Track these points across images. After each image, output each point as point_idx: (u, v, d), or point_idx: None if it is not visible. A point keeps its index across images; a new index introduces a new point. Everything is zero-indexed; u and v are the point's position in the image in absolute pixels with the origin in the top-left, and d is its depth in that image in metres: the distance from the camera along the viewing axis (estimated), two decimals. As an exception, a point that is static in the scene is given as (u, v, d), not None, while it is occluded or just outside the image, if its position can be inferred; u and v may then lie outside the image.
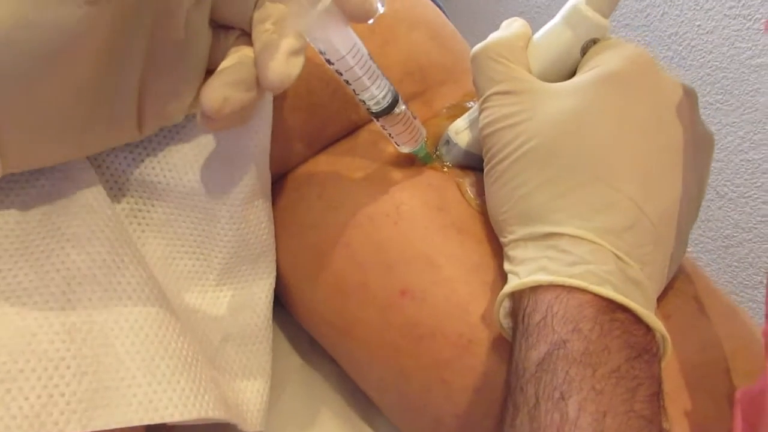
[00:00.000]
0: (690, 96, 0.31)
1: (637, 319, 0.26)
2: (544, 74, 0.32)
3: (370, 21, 0.27)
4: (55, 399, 0.25)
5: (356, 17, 0.26)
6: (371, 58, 0.29)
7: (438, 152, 0.36)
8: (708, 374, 0.30)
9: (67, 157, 0.26)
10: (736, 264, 1.11)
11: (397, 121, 0.32)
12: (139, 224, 0.32)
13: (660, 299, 0.30)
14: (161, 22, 0.26)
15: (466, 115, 0.35)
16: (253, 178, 0.33)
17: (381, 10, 0.26)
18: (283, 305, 0.40)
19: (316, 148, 0.38)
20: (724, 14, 1.06)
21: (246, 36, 0.28)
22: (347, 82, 0.29)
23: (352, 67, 0.28)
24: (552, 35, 0.32)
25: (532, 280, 0.26)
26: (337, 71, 0.28)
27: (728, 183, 1.07)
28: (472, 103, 0.38)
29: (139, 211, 0.32)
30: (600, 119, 0.28)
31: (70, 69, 0.23)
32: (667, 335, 0.26)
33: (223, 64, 0.27)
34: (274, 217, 0.36)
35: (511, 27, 0.33)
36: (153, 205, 0.32)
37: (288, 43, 0.25)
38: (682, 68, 1.13)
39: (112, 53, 0.24)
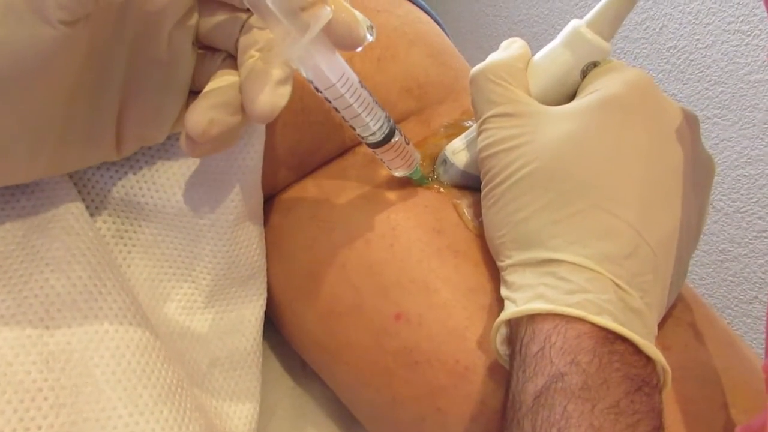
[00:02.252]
0: (691, 121, 0.30)
1: (637, 350, 0.25)
2: (543, 96, 0.31)
3: (359, 49, 0.26)
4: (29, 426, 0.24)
5: (344, 45, 0.26)
6: (365, 87, 0.28)
7: (435, 172, 0.35)
8: (707, 409, 0.29)
9: (40, 174, 0.25)
10: (731, 279, 1.10)
11: (392, 150, 0.31)
12: (125, 245, 0.31)
13: (659, 328, 0.29)
14: (143, 42, 0.25)
15: (463, 135, 0.34)
16: (244, 198, 0.32)
17: (370, 38, 0.26)
18: (274, 326, 0.39)
19: (310, 167, 0.37)
20: (723, 29, 1.06)
21: (232, 59, 0.27)
22: (337, 110, 0.28)
23: (342, 95, 0.27)
24: (552, 57, 0.31)
25: (530, 309, 0.26)
26: (326, 99, 0.28)
27: (724, 198, 1.07)
28: (470, 122, 0.37)
29: (125, 231, 0.31)
30: (599, 144, 0.28)
31: (44, 88, 0.22)
32: (668, 367, 0.26)
33: (209, 86, 0.26)
34: (266, 238, 0.35)
35: (511, 48, 0.32)
36: (140, 226, 0.31)
37: (275, 73, 0.24)
38: (680, 82, 1.13)
39: (90, 72, 0.24)
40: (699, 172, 0.30)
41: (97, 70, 0.24)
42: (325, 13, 0.24)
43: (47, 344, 0.25)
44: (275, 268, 0.36)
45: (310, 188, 0.37)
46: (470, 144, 0.33)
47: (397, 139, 0.31)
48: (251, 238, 0.33)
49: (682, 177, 0.29)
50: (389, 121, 0.30)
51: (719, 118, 1.08)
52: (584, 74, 0.31)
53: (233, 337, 0.33)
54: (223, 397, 0.32)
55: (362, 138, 0.30)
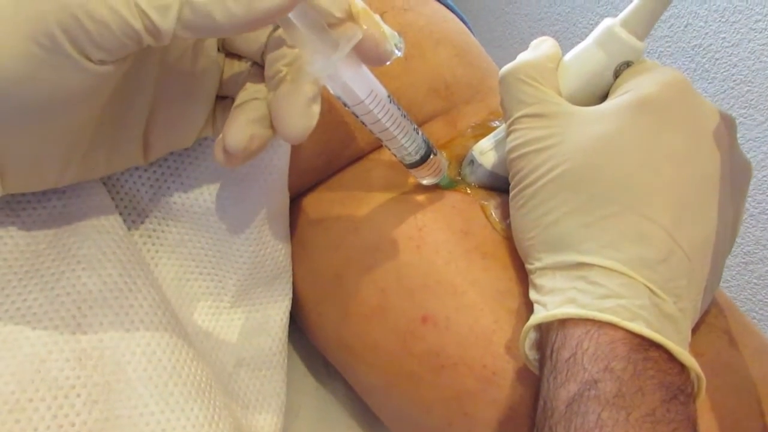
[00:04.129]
0: (728, 123, 0.29)
1: (671, 357, 0.24)
2: (574, 97, 0.30)
3: (387, 62, 0.26)
4: (65, 429, 0.24)
5: (371, 61, 0.25)
6: (395, 103, 0.28)
7: (462, 173, 0.35)
8: (742, 418, 0.29)
9: (69, 181, 0.26)
10: (755, 281, 1.08)
11: (426, 167, 0.31)
12: (153, 244, 0.31)
13: (692, 334, 0.29)
14: (170, 55, 0.25)
15: (491, 135, 0.34)
16: (270, 198, 0.32)
17: (398, 54, 0.26)
18: (298, 326, 0.39)
19: (336, 167, 0.37)
20: (750, 27, 1.04)
21: (258, 66, 0.27)
22: (365, 124, 0.28)
23: (370, 111, 0.27)
24: (584, 57, 0.31)
25: (561, 313, 0.25)
26: (354, 114, 0.27)
27: (750, 199, 1.05)
28: (497, 122, 0.37)
29: (153, 231, 0.31)
30: (633, 146, 0.27)
31: (80, 114, 0.23)
32: (702, 375, 0.25)
33: (242, 98, 0.26)
34: (291, 238, 0.35)
35: (541, 47, 0.32)
36: (168, 225, 0.31)
37: (305, 94, 0.24)
38: (705, 81, 1.11)
39: (121, 89, 0.24)
40: (736, 176, 0.29)
41: (128, 87, 0.24)
42: (356, 34, 0.23)
43: (80, 341, 0.25)
44: (300, 268, 0.36)
45: (336, 188, 0.36)
46: (498, 144, 0.33)
47: (433, 158, 0.31)
48: (277, 237, 0.33)
49: (719, 181, 0.28)
50: (426, 141, 0.30)
51: (745, 117, 1.06)
52: (617, 74, 0.30)
53: (259, 337, 0.33)
54: (249, 397, 0.32)
55: (399, 158, 0.31)
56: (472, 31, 0.44)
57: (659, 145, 0.27)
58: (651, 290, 0.25)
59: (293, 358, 0.40)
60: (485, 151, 0.34)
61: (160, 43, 0.21)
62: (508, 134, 0.30)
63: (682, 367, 0.25)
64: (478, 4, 1.52)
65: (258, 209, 0.32)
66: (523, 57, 0.31)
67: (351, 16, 0.24)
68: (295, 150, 0.33)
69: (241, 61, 0.28)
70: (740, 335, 0.32)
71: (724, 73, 1.08)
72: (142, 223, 0.31)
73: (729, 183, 0.28)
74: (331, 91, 0.26)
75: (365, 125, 0.28)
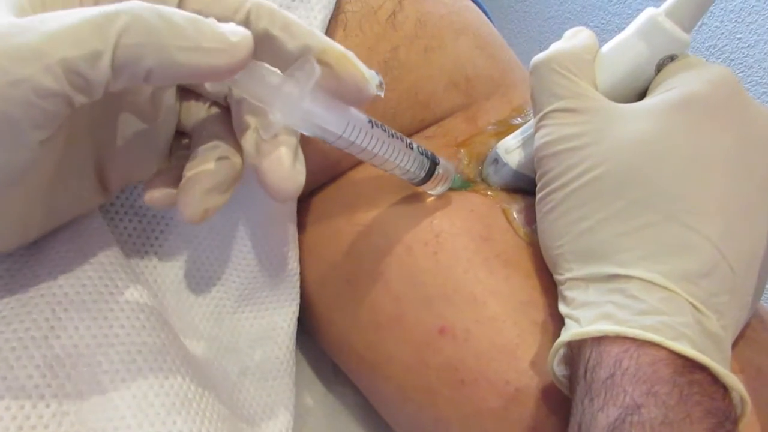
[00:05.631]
0: None
1: (715, 379, 0.22)
2: (612, 92, 0.28)
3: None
4: None
5: (351, 102, 0.24)
6: (379, 125, 0.26)
7: (483, 173, 0.33)
8: None
9: (33, 238, 0.25)
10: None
11: (433, 181, 0.30)
12: (152, 246, 0.29)
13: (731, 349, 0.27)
14: (124, 101, 0.24)
15: (519, 131, 0.32)
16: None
17: (380, 94, 0.24)
18: (306, 330, 0.37)
19: (346, 166, 0.35)
20: (767, 28, 1.02)
21: (219, 107, 0.26)
22: (353, 154, 0.26)
23: (353, 142, 0.25)
24: (624, 49, 0.28)
25: (598, 330, 0.23)
26: (338, 148, 0.26)
27: None
28: (519, 119, 0.35)
29: (152, 231, 0.29)
30: (678, 149, 0.25)
31: (26, 188, 0.21)
32: (748, 397, 0.23)
33: (198, 165, 0.24)
34: (300, 240, 0.33)
35: (578, 37, 0.29)
36: (167, 225, 0.29)
37: (285, 152, 0.23)
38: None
39: (69, 147, 0.22)
40: None
41: (77, 141, 0.23)
42: (315, 70, 0.22)
43: (52, 347, 0.23)
44: (309, 273, 0.34)
45: (345, 189, 0.34)
46: (526, 142, 0.31)
47: (439, 172, 0.29)
48: (284, 238, 0.31)
49: None
50: (425, 152, 0.29)
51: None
52: (659, 69, 0.28)
53: (264, 345, 0.31)
54: (255, 409, 0.30)
55: (407, 180, 0.29)
56: (492, 22, 0.42)
57: (707, 149, 0.25)
58: (694, 306, 0.23)
59: (300, 362, 0.38)
60: (511, 150, 0.31)
61: (93, 98, 0.19)
62: (537, 130, 0.28)
63: (725, 389, 0.23)
64: (487, 3, 1.50)
65: (262, 208, 0.30)
66: (557, 46, 0.29)
67: (305, 47, 0.23)
68: (303, 147, 0.31)
69: (199, 102, 0.26)
70: None
71: (740, 75, 1.06)
72: (140, 222, 0.29)
73: None
74: (307, 134, 0.24)
75: (355, 156, 0.26)
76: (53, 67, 0.17)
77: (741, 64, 1.06)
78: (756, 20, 1.04)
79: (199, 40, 0.19)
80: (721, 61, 1.09)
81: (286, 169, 0.23)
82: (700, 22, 0.28)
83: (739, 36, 1.06)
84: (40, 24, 0.17)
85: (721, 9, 1.07)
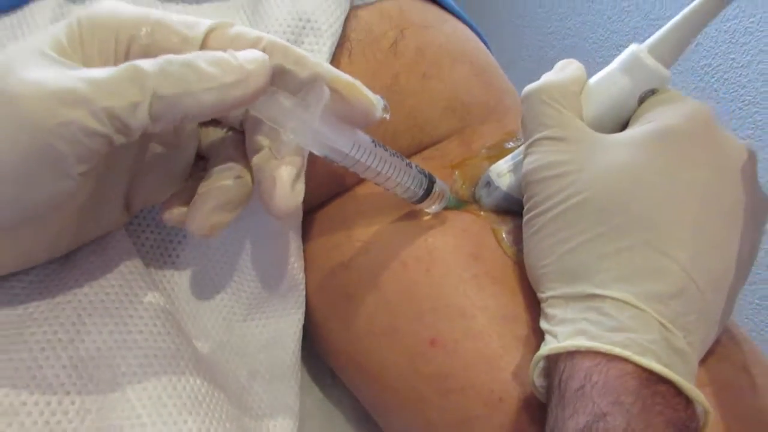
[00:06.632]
0: (752, 156, 0.29)
1: (678, 392, 0.25)
2: (597, 122, 0.30)
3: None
4: None
5: (358, 124, 0.27)
6: (381, 145, 0.29)
7: (476, 194, 0.35)
8: None
9: (60, 254, 0.28)
10: (757, 302, 1.08)
11: (430, 200, 0.32)
12: (170, 256, 0.31)
13: (701, 363, 0.29)
14: (154, 134, 0.26)
15: (509, 156, 0.34)
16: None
17: (386, 117, 0.27)
18: (304, 337, 0.39)
19: (349, 184, 0.37)
20: (760, 49, 1.04)
21: (235, 132, 0.29)
22: (357, 173, 0.29)
23: (358, 161, 0.28)
24: (608, 82, 0.31)
25: (572, 345, 0.25)
26: (345, 167, 0.28)
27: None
28: (512, 143, 0.37)
29: (170, 243, 0.31)
30: (656, 179, 0.27)
31: (62, 215, 0.24)
32: (710, 409, 0.25)
33: (210, 183, 0.27)
34: (304, 253, 0.35)
35: (567, 69, 0.32)
36: (183, 238, 0.31)
37: (288, 171, 0.26)
38: (714, 101, 1.11)
39: (102, 177, 0.25)
40: (756, 211, 0.29)
41: (109, 171, 0.26)
42: (324, 93, 0.25)
43: (77, 349, 0.26)
44: (311, 283, 0.36)
45: (348, 206, 0.37)
46: (516, 167, 0.33)
47: (436, 190, 0.31)
48: (290, 251, 0.34)
49: (741, 216, 0.28)
50: (423, 172, 0.31)
51: (753, 138, 1.07)
52: (641, 101, 0.30)
53: (272, 350, 0.33)
54: (263, 409, 0.32)
55: (406, 198, 0.31)
56: (490, 50, 0.44)
57: (682, 180, 0.27)
58: (662, 324, 0.25)
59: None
60: (502, 174, 0.34)
61: (131, 140, 0.22)
62: (525, 156, 0.30)
63: (689, 401, 0.25)
64: (488, 17, 1.52)
65: (271, 224, 0.32)
66: (547, 78, 0.31)
67: (315, 75, 0.25)
68: (308, 169, 0.34)
69: (217, 128, 0.29)
70: (750, 366, 0.32)
71: (733, 94, 1.08)
72: (159, 234, 0.31)
73: (749, 218, 0.28)
74: (317, 153, 0.27)
75: (359, 174, 0.29)
76: (98, 113, 0.20)
77: (734, 83, 1.09)
78: (749, 41, 1.06)
79: (221, 78, 0.22)
80: (716, 80, 1.11)
81: (286, 189, 0.26)
82: (682, 56, 0.30)
83: (732, 56, 1.08)
84: (87, 74, 0.20)
85: (716, 30, 1.10)
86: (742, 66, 1.07)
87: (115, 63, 0.23)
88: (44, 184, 0.21)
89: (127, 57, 0.23)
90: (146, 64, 0.21)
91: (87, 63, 0.22)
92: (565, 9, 1.32)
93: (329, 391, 0.40)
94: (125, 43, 0.23)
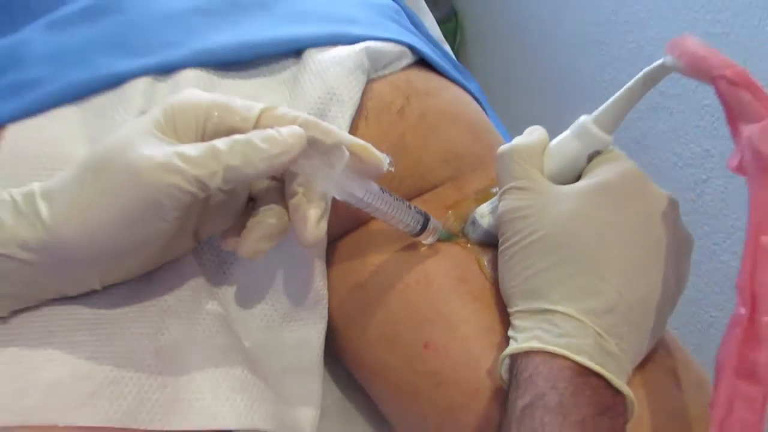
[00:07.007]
0: (673, 204, 0.37)
1: (609, 384, 0.32)
2: (556, 175, 0.38)
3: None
4: (144, 402, 0.33)
5: (370, 176, 0.36)
6: (387, 191, 0.38)
7: (464, 230, 0.44)
8: None
9: (148, 270, 0.37)
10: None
11: (424, 234, 0.41)
12: (224, 273, 0.41)
13: (640, 368, 0.37)
14: None
15: (489, 201, 0.42)
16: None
17: (391, 169, 0.37)
18: (328, 343, 0.48)
19: (363, 221, 0.46)
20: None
21: (276, 181, 0.37)
22: (369, 213, 0.38)
23: (370, 203, 0.37)
24: (563, 145, 0.39)
25: (527, 346, 0.33)
26: (359, 208, 0.37)
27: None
28: (496, 189, 0.46)
29: (224, 263, 0.41)
30: (595, 221, 0.35)
31: (154, 244, 0.34)
32: (634, 399, 0.32)
33: (257, 220, 0.36)
34: (328, 275, 0.44)
35: (533, 134, 0.40)
36: (235, 259, 0.41)
37: (315, 212, 0.35)
38: (714, 138, 1.17)
39: (181, 220, 0.34)
40: (679, 247, 0.37)
41: (188, 214, 0.35)
42: (345, 155, 0.34)
43: (159, 340, 0.35)
44: (333, 299, 0.45)
45: (362, 238, 0.46)
46: (494, 210, 0.42)
47: (430, 227, 0.40)
48: (316, 273, 0.42)
49: (664, 251, 0.36)
50: (419, 212, 0.39)
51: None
52: (590, 160, 0.38)
53: (301, 350, 0.42)
54: (293, 397, 0.40)
55: (407, 232, 0.40)
56: (485, 109, 0.53)
57: (614, 222, 0.35)
58: (598, 333, 0.33)
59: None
60: (484, 215, 0.42)
61: (207, 194, 0.31)
62: (499, 201, 0.39)
63: (617, 393, 0.32)
64: (505, 60, 1.61)
65: (301, 251, 0.41)
66: (517, 140, 0.39)
67: (338, 142, 0.35)
68: (331, 209, 0.43)
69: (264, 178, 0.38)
70: (681, 371, 0.39)
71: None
72: (218, 259, 0.40)
73: (673, 252, 0.36)
74: (338, 198, 0.36)
75: (371, 214, 0.38)
76: (190, 179, 0.29)
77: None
78: None
79: (271, 150, 0.31)
80: (714, 120, 1.16)
81: (313, 225, 0.35)
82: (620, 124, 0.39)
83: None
84: (182, 150, 0.30)
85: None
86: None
87: (197, 135, 0.32)
88: (149, 225, 0.31)
89: (205, 132, 0.33)
90: (220, 143, 0.30)
91: (179, 138, 0.32)
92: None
93: (346, 390, 0.49)
94: (203, 122, 0.33)
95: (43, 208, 0.30)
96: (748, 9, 1.00)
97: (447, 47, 1.04)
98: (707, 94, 1.19)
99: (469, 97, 0.51)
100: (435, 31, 1.08)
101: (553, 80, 1.46)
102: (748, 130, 0.31)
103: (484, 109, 0.53)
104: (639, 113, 1.24)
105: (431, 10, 1.66)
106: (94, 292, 0.34)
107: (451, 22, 1.74)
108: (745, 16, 1.03)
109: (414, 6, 1.07)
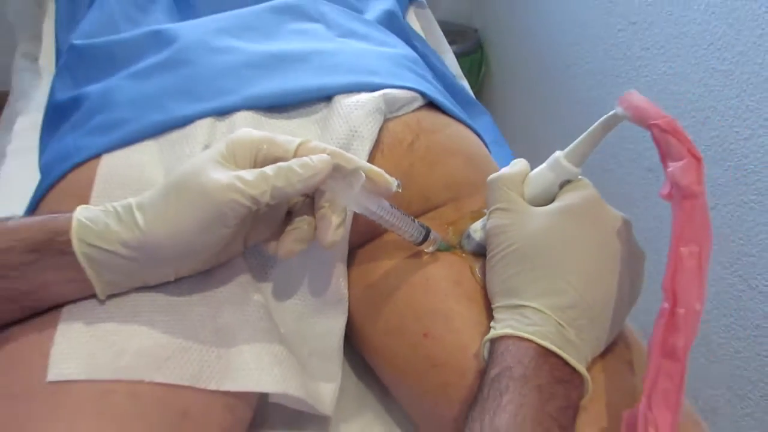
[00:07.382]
0: (626, 223, 0.46)
1: (566, 364, 0.40)
2: (534, 199, 0.47)
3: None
4: (205, 368, 0.43)
5: (382, 195, 0.46)
6: (395, 207, 0.47)
7: (461, 242, 0.53)
8: (623, 408, 0.43)
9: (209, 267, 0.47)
10: (764, 353, 1.17)
11: (425, 244, 0.50)
12: (266, 273, 0.51)
13: (601, 357, 0.45)
14: None
15: (481, 219, 0.52)
16: (338, 251, 0.51)
17: (399, 190, 0.46)
18: (346, 335, 0.57)
19: (377, 233, 0.56)
20: (760, 125, 1.16)
21: (308, 198, 0.46)
22: (380, 224, 0.47)
23: (381, 216, 0.46)
24: (540, 175, 0.48)
25: (502, 332, 0.42)
26: (372, 220, 0.47)
27: (759, 276, 1.15)
28: (487, 210, 0.55)
29: (266, 264, 0.51)
30: (561, 236, 0.44)
31: (217, 246, 0.43)
32: (588, 376, 0.41)
33: (292, 225, 0.45)
34: (348, 276, 0.54)
35: (516, 166, 0.49)
36: (275, 260, 0.51)
37: (335, 220, 0.43)
38: (721, 168, 1.23)
39: (236, 228, 0.43)
40: (632, 259, 0.45)
41: (240, 225, 0.44)
42: (361, 177, 0.43)
43: (216, 322, 0.45)
44: (352, 297, 0.54)
45: (376, 247, 0.55)
46: (485, 226, 0.51)
47: (431, 238, 0.49)
48: (339, 274, 0.52)
49: (618, 260, 0.44)
50: (421, 225, 0.49)
51: (755, 203, 1.17)
52: (561, 187, 0.47)
53: (325, 338, 0.51)
54: (318, 374, 0.50)
55: (411, 241, 0.49)
56: (484, 142, 0.63)
57: (576, 237, 0.44)
58: (560, 324, 0.42)
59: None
60: (477, 230, 0.51)
61: (258, 208, 0.41)
62: (488, 219, 0.48)
63: (574, 371, 0.40)
64: (517, 95, 1.69)
65: (326, 256, 0.51)
66: (503, 171, 0.49)
67: (357, 168, 0.44)
68: (352, 222, 0.52)
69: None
70: (636, 360, 0.47)
71: (737, 162, 1.19)
72: (260, 261, 0.51)
73: (627, 263, 0.44)
74: (356, 211, 0.45)
75: (381, 225, 0.47)
76: (247, 196, 0.39)
77: (738, 153, 1.20)
78: (750, 117, 1.18)
79: (305, 174, 0.41)
80: (722, 150, 1.23)
81: (332, 230, 0.44)
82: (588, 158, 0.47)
83: (736, 130, 1.21)
84: (241, 174, 0.40)
85: (723, 105, 1.23)
86: (744, 138, 1.20)
87: (251, 163, 0.42)
88: (215, 231, 0.40)
89: (256, 160, 0.43)
90: (269, 169, 0.40)
91: (238, 165, 0.42)
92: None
93: (362, 375, 0.58)
94: (255, 153, 0.43)
95: (139, 217, 0.40)
96: (752, 48, 1.09)
97: (464, 81, 1.14)
98: (714, 127, 1.26)
99: (469, 132, 0.61)
100: (454, 66, 1.17)
101: (571, 109, 1.54)
102: (672, 166, 0.40)
103: (485, 142, 0.63)
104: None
105: (459, 43, 1.77)
106: (167, 282, 0.44)
107: (476, 54, 1.84)
108: (750, 55, 1.11)
109: (436, 44, 1.17)
